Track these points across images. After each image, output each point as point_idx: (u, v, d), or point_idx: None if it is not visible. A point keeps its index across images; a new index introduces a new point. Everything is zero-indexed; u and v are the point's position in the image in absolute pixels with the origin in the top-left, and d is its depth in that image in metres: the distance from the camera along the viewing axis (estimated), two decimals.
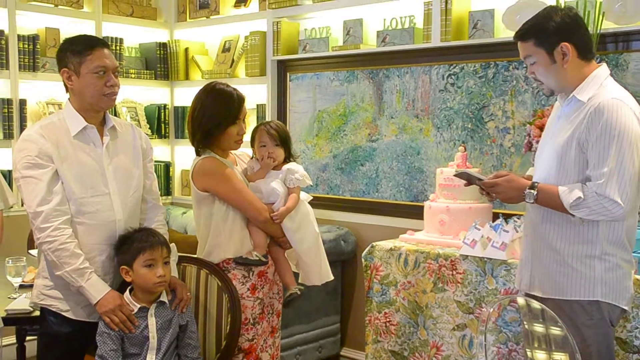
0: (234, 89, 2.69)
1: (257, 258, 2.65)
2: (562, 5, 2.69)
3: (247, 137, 2.77)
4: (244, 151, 2.91)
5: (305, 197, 2.82)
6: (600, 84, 2.32)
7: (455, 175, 2.66)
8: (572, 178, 2.30)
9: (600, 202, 2.20)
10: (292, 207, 2.69)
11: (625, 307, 2.35)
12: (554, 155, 2.36)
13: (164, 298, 2.46)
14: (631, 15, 3.08)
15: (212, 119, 2.62)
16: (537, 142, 3.04)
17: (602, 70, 2.37)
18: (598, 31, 3.02)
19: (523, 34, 2.38)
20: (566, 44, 2.31)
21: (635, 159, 2.22)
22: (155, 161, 3.95)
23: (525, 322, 2.43)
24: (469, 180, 2.55)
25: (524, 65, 2.69)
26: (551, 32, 2.32)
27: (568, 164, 2.31)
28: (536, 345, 2.34)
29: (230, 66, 4.80)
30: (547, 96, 2.49)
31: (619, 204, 2.18)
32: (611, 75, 2.38)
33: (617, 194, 2.18)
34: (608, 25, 3.14)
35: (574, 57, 2.32)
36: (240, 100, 2.67)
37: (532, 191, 2.33)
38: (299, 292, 2.73)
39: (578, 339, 2.21)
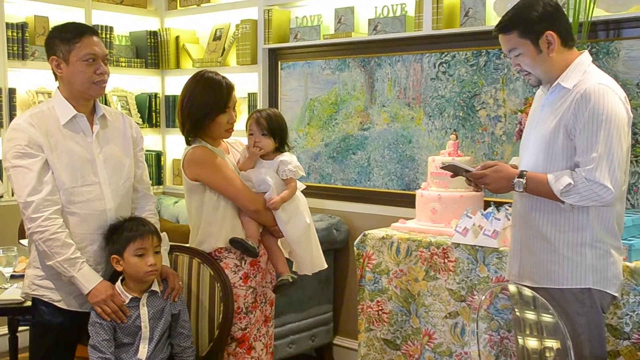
0: (223, 77, 2.67)
1: (253, 246, 2.64)
2: None
3: (241, 126, 2.75)
4: (237, 139, 2.90)
5: (299, 186, 2.81)
6: (584, 71, 2.32)
7: (442, 168, 2.65)
8: (560, 165, 2.30)
9: (590, 187, 2.20)
10: (287, 198, 2.67)
11: (616, 294, 2.36)
12: (541, 143, 2.36)
13: (155, 287, 2.46)
14: (622, 3, 3.08)
15: (201, 107, 2.61)
16: None
17: (584, 57, 2.37)
18: (589, 19, 3.01)
19: (505, 26, 2.34)
20: (551, 32, 2.30)
21: (623, 144, 2.23)
22: (147, 150, 3.94)
23: (516, 310, 2.44)
24: (456, 172, 2.54)
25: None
26: (535, 21, 2.30)
27: (556, 152, 2.31)
28: (527, 333, 2.35)
29: (221, 54, 4.78)
30: (534, 86, 2.49)
31: (609, 189, 2.19)
32: (598, 62, 2.39)
33: (607, 178, 2.18)
34: (599, 13, 3.13)
35: (558, 45, 2.32)
36: (229, 88, 2.65)
37: (521, 180, 2.32)
38: (290, 280, 2.72)
39: (570, 327, 2.22)
